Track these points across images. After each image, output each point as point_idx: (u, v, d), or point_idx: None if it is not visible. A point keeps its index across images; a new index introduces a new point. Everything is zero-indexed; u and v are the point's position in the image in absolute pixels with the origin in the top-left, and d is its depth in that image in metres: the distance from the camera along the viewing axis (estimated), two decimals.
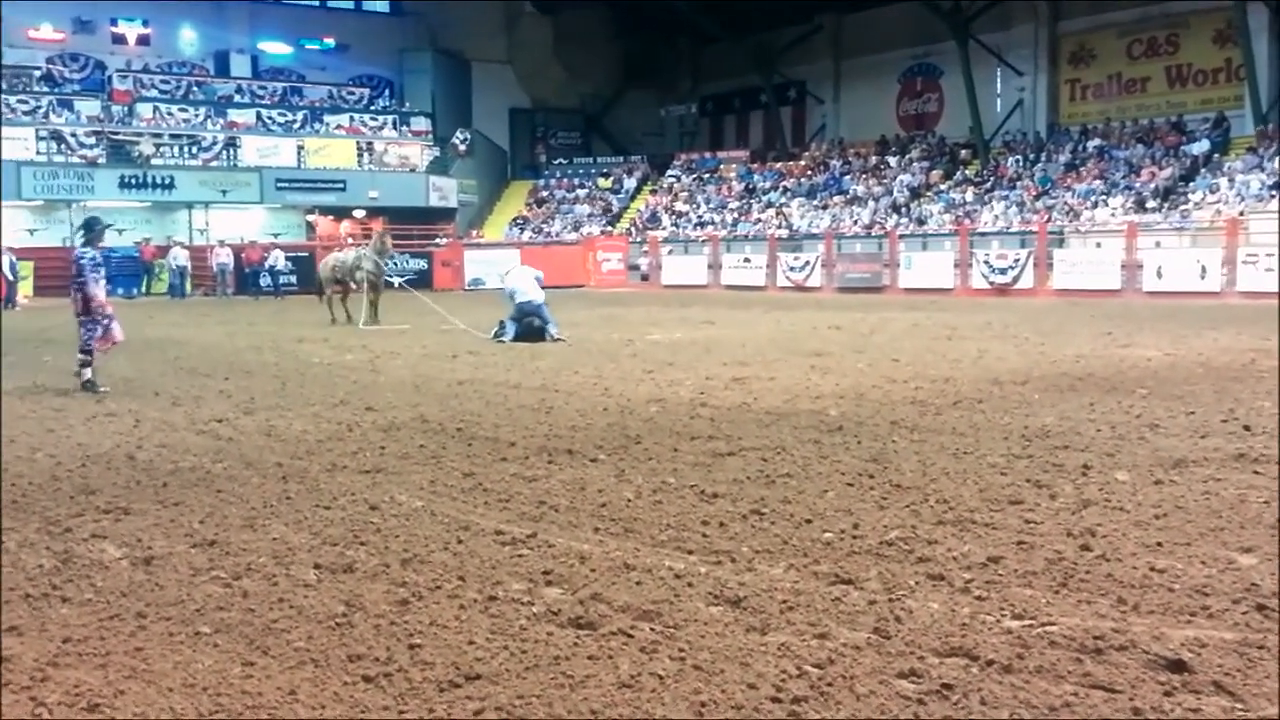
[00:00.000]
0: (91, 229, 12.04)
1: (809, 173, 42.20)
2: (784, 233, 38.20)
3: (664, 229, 42.23)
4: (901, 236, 34.60)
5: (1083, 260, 30.00)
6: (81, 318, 11.72)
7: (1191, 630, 4.14)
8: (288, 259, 35.53)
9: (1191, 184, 31.36)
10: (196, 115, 42.07)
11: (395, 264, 24.44)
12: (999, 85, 40.18)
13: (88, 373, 11.61)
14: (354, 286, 22.13)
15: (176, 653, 4.06)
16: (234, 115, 42.72)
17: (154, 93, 42.61)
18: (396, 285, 24.55)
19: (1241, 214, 28.25)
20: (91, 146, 38.93)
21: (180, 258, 35.62)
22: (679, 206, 43.89)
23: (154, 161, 39.38)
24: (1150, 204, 31.09)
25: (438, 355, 14.87)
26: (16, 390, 11.52)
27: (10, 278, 30.42)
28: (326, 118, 44.44)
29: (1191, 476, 6.66)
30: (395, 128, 45.49)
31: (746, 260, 37.46)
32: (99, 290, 11.73)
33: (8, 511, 6.17)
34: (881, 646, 4.03)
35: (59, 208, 38.45)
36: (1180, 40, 35.86)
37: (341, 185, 42.49)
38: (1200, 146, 32.53)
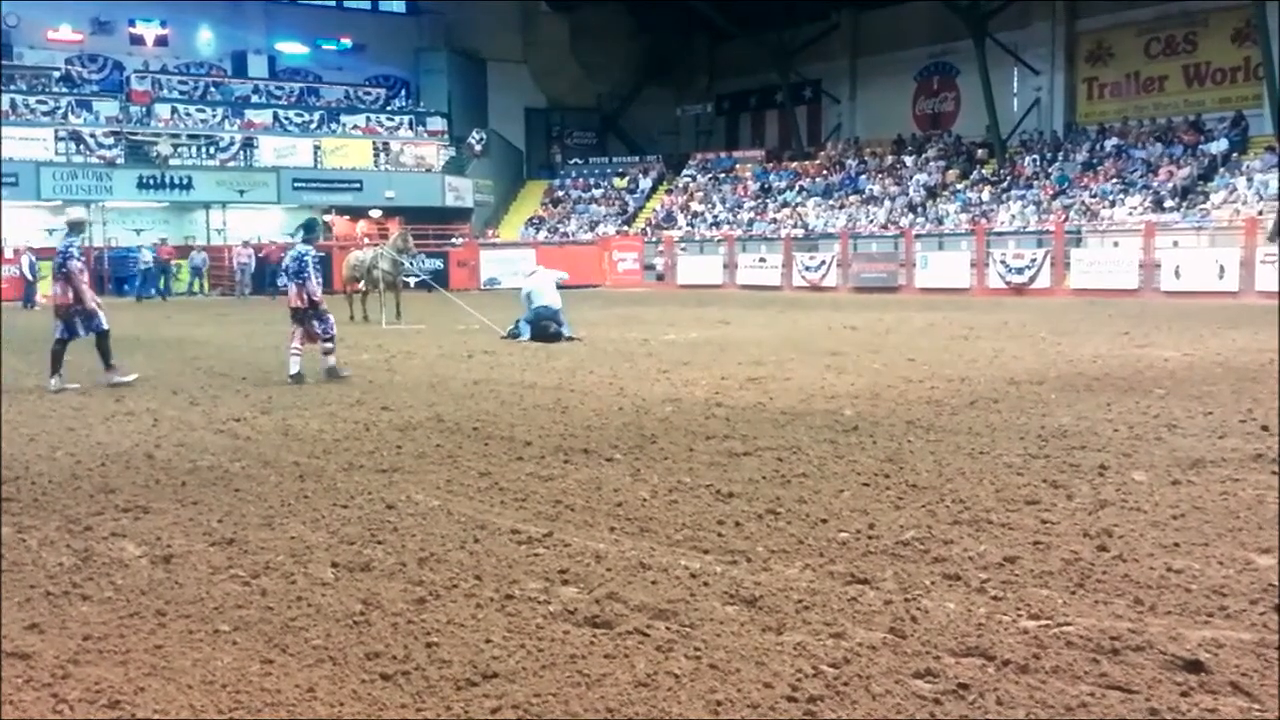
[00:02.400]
0: (311, 229, 12.66)
1: (825, 172, 42.10)
2: (799, 232, 38.14)
3: (679, 228, 42.21)
4: (918, 236, 34.51)
5: (1100, 260, 29.86)
6: (310, 311, 12.08)
7: (1209, 631, 4.13)
8: None
9: (1210, 183, 31.19)
10: (214, 116, 42.28)
11: (416, 262, 24.35)
12: (1016, 84, 40.00)
13: (331, 360, 12.07)
14: (365, 287, 22.19)
15: (196, 650, 4.09)
16: (251, 115, 42.91)
17: (172, 93, 42.84)
18: (412, 285, 24.54)
19: (1260, 213, 28.06)
20: (110, 147, 39.13)
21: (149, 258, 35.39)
22: (694, 206, 43.85)
23: (172, 162, 39.57)
24: (1168, 203, 30.93)
25: (453, 355, 14.90)
26: (37, 388, 11.62)
27: (30, 277, 30.63)
28: (343, 118, 44.60)
29: (1209, 477, 6.63)
30: (411, 128, 45.60)
31: (762, 260, 37.41)
32: (316, 286, 12.17)
33: (28, 510, 6.23)
34: (897, 646, 4.03)
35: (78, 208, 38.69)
36: (1199, 39, 35.67)
37: (358, 185, 42.63)
38: (1219, 145, 32.33)
